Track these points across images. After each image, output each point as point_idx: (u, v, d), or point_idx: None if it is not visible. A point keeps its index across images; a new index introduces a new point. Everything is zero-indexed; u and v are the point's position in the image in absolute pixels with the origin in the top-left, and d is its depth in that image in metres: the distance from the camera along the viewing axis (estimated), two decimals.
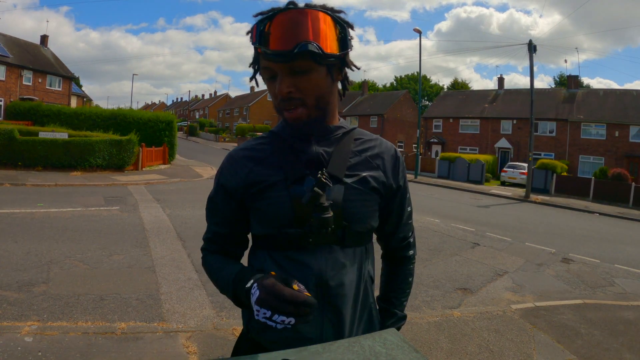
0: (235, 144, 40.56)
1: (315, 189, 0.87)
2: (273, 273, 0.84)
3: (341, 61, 0.94)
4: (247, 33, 0.92)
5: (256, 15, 0.90)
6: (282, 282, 0.80)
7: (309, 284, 0.92)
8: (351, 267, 0.97)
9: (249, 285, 0.84)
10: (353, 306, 0.98)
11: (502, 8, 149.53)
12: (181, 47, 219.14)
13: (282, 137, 1.01)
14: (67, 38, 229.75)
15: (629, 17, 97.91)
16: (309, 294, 0.79)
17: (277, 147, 0.99)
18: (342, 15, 0.91)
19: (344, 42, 0.90)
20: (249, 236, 1.07)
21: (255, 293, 0.80)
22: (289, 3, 0.88)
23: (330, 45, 0.87)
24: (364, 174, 0.98)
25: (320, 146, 0.98)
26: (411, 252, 1.15)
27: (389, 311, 1.13)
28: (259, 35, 0.86)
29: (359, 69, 1.02)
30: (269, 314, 0.77)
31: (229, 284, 0.92)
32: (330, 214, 0.89)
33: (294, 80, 0.88)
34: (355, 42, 0.94)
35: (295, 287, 0.80)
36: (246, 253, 1.11)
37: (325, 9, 0.89)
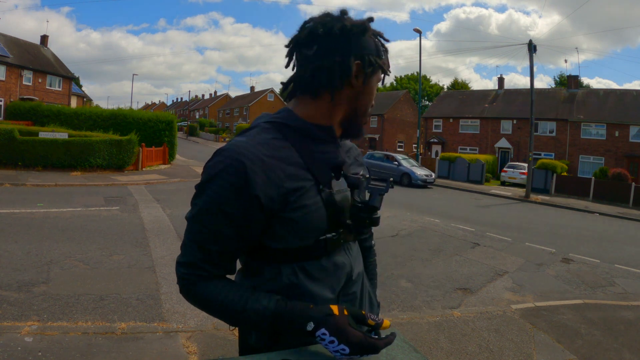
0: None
1: (381, 193, 0.94)
2: (337, 312, 0.80)
3: None
4: (369, 23, 0.95)
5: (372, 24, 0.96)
6: (357, 320, 0.81)
7: (341, 284, 0.96)
8: (359, 259, 1.05)
9: (310, 328, 0.79)
10: (361, 291, 1.05)
11: (501, 9, 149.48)
12: (182, 48, 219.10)
13: (301, 133, 0.92)
14: (68, 38, 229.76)
15: (628, 17, 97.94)
16: (386, 322, 0.84)
17: (297, 145, 0.90)
18: None
19: None
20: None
21: (338, 346, 0.78)
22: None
23: None
24: (360, 172, 1.04)
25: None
26: (373, 242, 1.22)
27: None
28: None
29: None
30: (356, 357, 0.80)
31: (263, 319, 0.82)
32: (379, 213, 0.96)
33: None
34: None
35: (372, 322, 0.82)
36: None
37: None
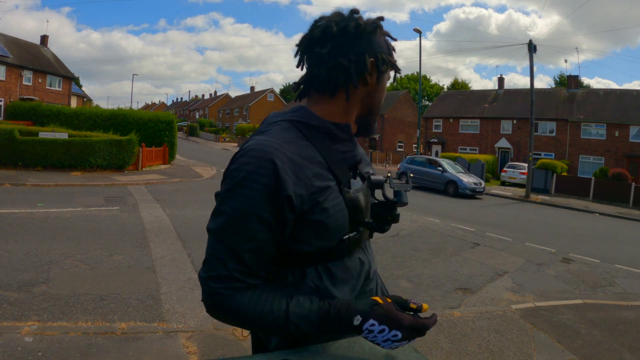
0: (236, 144, 40.47)
1: (405, 191, 0.95)
2: (381, 301, 0.82)
3: None
4: (382, 26, 0.97)
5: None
6: (400, 306, 0.83)
7: (360, 283, 0.96)
8: (373, 255, 1.06)
9: (358, 322, 0.80)
10: (376, 288, 1.06)
11: (501, 9, 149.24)
12: (182, 48, 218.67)
13: (321, 131, 0.91)
14: (68, 39, 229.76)
15: (627, 18, 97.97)
16: (425, 305, 0.85)
17: (318, 145, 0.89)
18: None
19: None
20: None
21: (389, 334, 0.80)
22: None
23: None
24: (370, 171, 1.04)
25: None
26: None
27: None
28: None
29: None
30: (404, 343, 0.82)
31: (308, 323, 0.81)
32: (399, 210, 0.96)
33: None
34: None
35: (413, 305, 0.84)
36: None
37: None
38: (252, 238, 0.80)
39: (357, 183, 0.95)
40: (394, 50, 0.98)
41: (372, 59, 0.91)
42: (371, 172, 1.03)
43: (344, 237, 0.90)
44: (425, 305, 0.85)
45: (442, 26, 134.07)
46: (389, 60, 0.95)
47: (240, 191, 0.79)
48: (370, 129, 1.00)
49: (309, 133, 0.88)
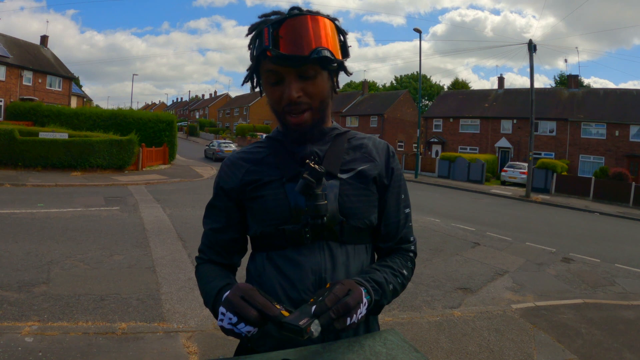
0: (236, 144, 40.62)
1: (306, 175, 0.88)
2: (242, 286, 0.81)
3: (339, 67, 0.95)
4: (250, 33, 0.91)
5: (262, 17, 0.90)
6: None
7: (307, 282, 0.92)
8: (352, 265, 0.96)
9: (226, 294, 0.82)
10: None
11: (497, 12, 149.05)
12: (184, 49, 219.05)
13: (278, 140, 1.02)
14: (72, 40, 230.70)
15: (621, 19, 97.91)
16: (286, 313, 0.75)
17: (274, 149, 1.01)
18: (338, 22, 0.94)
19: (345, 49, 0.94)
20: (248, 245, 1.07)
21: (224, 314, 0.78)
22: (294, 8, 0.89)
23: (335, 51, 0.89)
24: (359, 168, 0.99)
25: (315, 146, 0.98)
26: (412, 247, 1.07)
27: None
28: (271, 38, 0.84)
29: (350, 74, 1.02)
30: (234, 319, 0.76)
31: (212, 296, 0.90)
32: (325, 201, 0.91)
33: (301, 85, 0.89)
34: (354, 44, 0.98)
35: (277, 305, 0.76)
36: (245, 261, 1.09)
37: (328, 17, 0.91)
38: (212, 221, 1.04)
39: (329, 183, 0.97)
40: (260, 48, 0.87)
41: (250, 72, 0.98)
42: (365, 167, 0.98)
43: (280, 227, 0.93)
44: (285, 313, 0.76)
45: (439, 28, 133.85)
46: (250, 68, 0.96)
47: (213, 189, 1.06)
48: (285, 128, 0.97)
49: (270, 143, 1.03)
